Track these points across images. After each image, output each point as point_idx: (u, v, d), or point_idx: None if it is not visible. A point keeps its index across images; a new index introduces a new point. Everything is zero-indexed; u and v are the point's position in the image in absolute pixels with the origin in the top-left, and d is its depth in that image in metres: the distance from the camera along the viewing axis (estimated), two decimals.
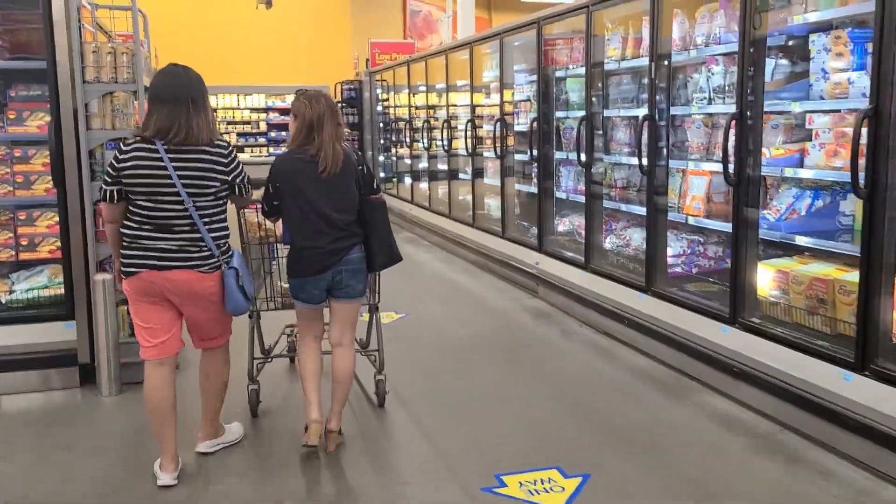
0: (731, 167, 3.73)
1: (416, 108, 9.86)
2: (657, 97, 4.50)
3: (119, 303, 4.19)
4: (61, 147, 3.96)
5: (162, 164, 2.82)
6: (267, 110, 16.49)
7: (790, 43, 3.76)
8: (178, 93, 2.87)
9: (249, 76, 16.34)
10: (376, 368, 3.80)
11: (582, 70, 5.67)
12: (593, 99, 5.20)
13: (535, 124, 6.03)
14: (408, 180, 10.62)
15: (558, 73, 5.96)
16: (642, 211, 4.97)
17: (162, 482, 2.98)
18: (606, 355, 4.55)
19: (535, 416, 3.68)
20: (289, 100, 16.84)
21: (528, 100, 6.65)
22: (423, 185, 9.85)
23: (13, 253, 4.21)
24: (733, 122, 3.69)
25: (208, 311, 3.01)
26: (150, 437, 3.18)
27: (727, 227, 4.09)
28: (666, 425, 3.53)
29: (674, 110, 4.50)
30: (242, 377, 3.65)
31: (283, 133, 16.24)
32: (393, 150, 11.39)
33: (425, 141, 9.23)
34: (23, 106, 4.13)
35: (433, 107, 9.22)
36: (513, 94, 6.78)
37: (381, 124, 12.18)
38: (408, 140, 9.98)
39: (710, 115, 4.37)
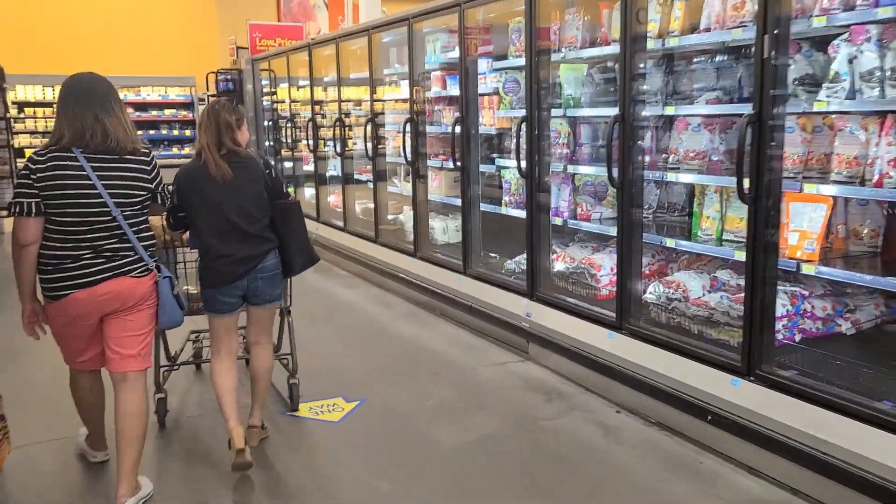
0: None
1: (323, 102, 7.97)
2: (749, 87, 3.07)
3: None
4: None
5: (84, 173, 2.66)
6: None
7: None
8: (82, 95, 2.72)
9: (95, 64, 13.63)
10: (289, 372, 3.79)
11: (584, 53, 4.26)
12: (631, 91, 3.67)
13: (522, 126, 4.44)
14: (309, 191, 8.70)
15: (553, 58, 4.41)
16: (704, 249, 3.57)
17: (98, 459, 3.14)
18: (698, 480, 3.01)
19: None
20: (145, 93, 14.42)
21: (496, 93, 5.07)
22: (334, 199, 7.99)
23: None
24: None
25: (136, 319, 2.82)
26: None
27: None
28: None
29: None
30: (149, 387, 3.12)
31: (140, 132, 13.75)
32: (288, 153, 9.39)
33: (336, 145, 7.38)
34: None
35: (348, 101, 7.41)
36: (462, 86, 5.14)
37: (270, 122, 10.13)
38: (310, 142, 8.08)
39: (829, 113, 3.00)
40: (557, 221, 4.56)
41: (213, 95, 10.46)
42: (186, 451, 3.36)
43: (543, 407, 3.77)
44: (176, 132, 13.93)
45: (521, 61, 4.68)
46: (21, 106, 12.13)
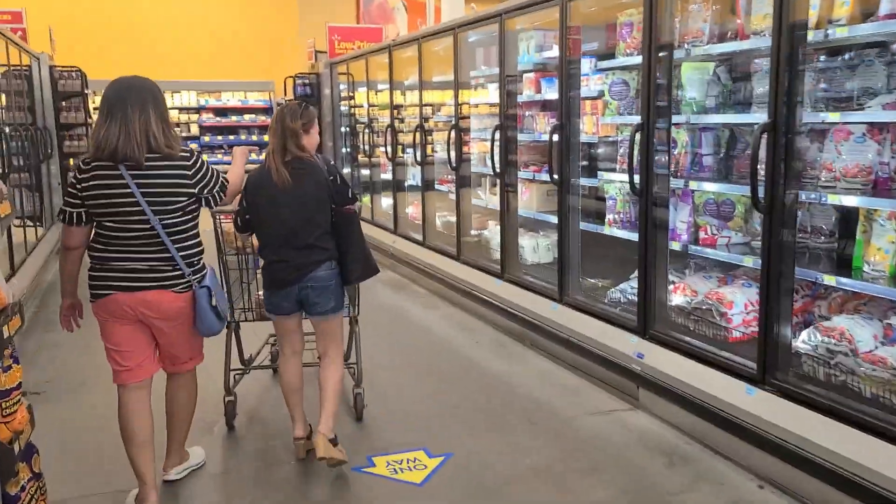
0: None
1: (403, 107, 7.51)
2: None
3: None
4: None
5: (123, 181, 2.65)
6: (199, 110, 13.90)
7: None
8: (114, 103, 2.67)
9: (177, 70, 13.76)
10: (355, 381, 3.75)
11: (714, 49, 3.60)
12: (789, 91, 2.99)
13: (636, 135, 3.81)
14: (386, 201, 8.26)
15: (675, 55, 3.76)
16: (879, 291, 2.86)
17: None
18: None
19: None
20: (226, 98, 14.39)
21: (601, 97, 4.45)
22: (413, 210, 7.51)
23: None
24: None
25: (180, 332, 2.86)
26: None
27: None
28: None
29: None
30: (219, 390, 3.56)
31: (220, 137, 13.76)
32: (365, 160, 8.99)
33: (415, 152, 6.90)
34: None
35: (429, 105, 6.92)
36: (561, 89, 4.52)
37: (347, 128, 9.77)
38: (388, 148, 7.63)
39: None
40: (675, 246, 3.90)
41: (290, 100, 10.21)
42: (254, 462, 3.31)
43: (666, 475, 3.13)
44: (255, 137, 13.85)
45: (631, 60, 4.08)
46: None
